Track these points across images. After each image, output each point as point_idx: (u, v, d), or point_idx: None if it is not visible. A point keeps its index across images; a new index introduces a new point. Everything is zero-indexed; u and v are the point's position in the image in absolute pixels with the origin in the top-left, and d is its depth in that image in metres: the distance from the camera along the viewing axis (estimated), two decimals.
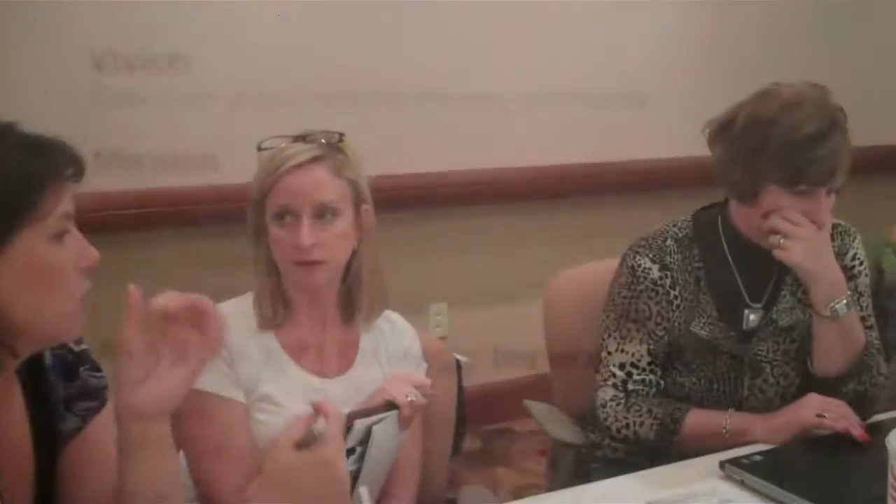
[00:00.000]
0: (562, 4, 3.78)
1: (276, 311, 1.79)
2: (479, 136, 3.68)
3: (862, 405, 1.97)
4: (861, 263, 2.11)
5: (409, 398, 1.69)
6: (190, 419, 1.64)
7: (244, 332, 1.76)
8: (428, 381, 1.77)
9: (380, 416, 1.64)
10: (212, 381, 1.69)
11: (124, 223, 3.12)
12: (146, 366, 1.30)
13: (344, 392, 1.79)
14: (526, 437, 3.69)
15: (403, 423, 1.70)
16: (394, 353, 1.89)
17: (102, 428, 1.42)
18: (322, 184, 1.73)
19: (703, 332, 2.02)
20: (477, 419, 3.24)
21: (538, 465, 3.44)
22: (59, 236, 1.26)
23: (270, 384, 1.76)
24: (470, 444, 3.50)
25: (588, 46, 3.87)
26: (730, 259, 2.06)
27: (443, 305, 3.76)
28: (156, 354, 1.31)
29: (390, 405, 1.67)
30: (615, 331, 2.06)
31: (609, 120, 3.92)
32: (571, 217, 3.94)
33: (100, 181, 2.85)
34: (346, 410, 1.60)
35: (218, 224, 3.04)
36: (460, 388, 2.07)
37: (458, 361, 2.07)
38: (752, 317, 2.05)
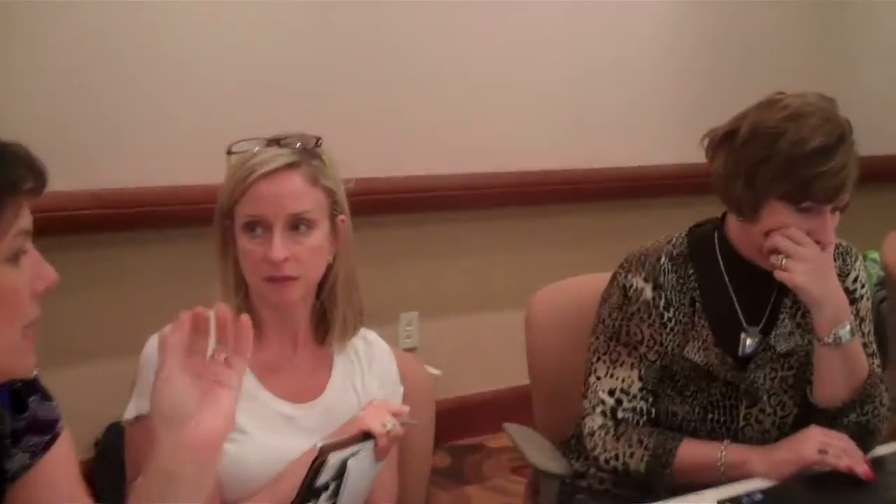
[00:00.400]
0: (544, 9, 3.67)
1: None
2: (453, 140, 3.58)
3: (864, 437, 1.87)
4: (863, 286, 2.02)
5: (387, 428, 1.57)
6: (142, 449, 1.48)
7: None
8: (406, 409, 1.68)
9: (355, 447, 1.52)
10: None
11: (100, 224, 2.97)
12: (194, 394, 1.20)
13: (316, 418, 1.69)
14: (498, 454, 3.61)
15: (380, 454, 1.59)
16: (369, 377, 1.77)
17: (53, 465, 1.31)
18: (297, 193, 1.61)
19: (697, 357, 1.91)
20: (447, 434, 3.13)
21: (511, 483, 3.36)
22: (14, 257, 1.14)
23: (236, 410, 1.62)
24: (439, 460, 3.40)
25: (570, 52, 3.78)
26: (726, 279, 1.95)
27: (413, 315, 3.64)
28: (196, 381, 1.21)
29: (366, 435, 1.56)
30: (605, 354, 1.95)
31: (591, 125, 3.84)
32: (547, 225, 3.86)
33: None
34: (318, 439, 1.50)
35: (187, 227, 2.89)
36: None
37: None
38: (748, 341, 1.94)
